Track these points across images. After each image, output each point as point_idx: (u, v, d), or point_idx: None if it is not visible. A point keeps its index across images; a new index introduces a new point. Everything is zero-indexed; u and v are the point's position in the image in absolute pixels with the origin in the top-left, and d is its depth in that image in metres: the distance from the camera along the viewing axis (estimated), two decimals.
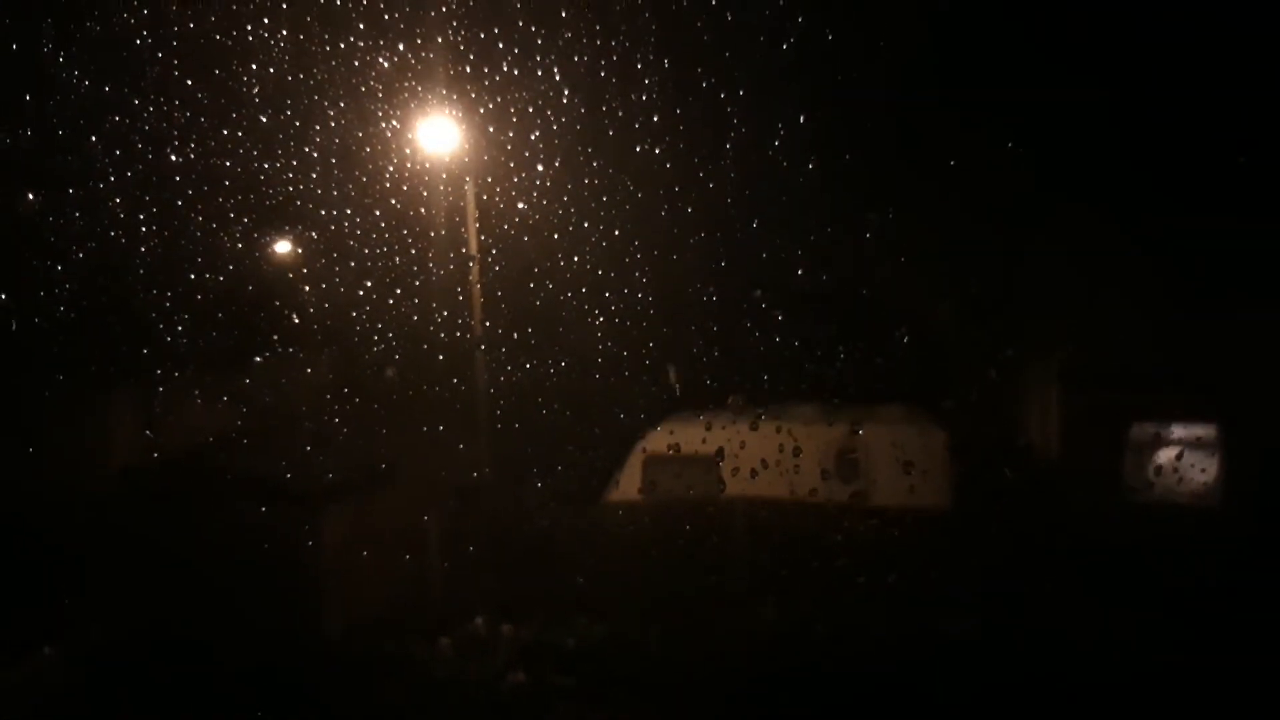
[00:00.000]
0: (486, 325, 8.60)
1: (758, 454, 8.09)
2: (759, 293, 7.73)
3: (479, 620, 7.08)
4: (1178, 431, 9.05)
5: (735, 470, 8.07)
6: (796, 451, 8.02)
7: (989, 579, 6.76)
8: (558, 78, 5.96)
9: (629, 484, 8.24)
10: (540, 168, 6.68)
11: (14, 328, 7.32)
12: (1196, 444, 8.99)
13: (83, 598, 6.66)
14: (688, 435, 8.28)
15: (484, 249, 8.90)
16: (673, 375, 8.32)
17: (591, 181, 6.82)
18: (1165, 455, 8.98)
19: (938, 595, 6.61)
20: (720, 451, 8.11)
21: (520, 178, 7.00)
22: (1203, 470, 8.86)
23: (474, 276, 8.59)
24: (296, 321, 8.03)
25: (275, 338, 8.17)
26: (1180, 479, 8.88)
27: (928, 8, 7.40)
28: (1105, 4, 8.05)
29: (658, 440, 8.27)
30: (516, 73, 6.05)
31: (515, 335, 8.25)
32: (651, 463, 8.24)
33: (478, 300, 8.66)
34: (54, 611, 6.47)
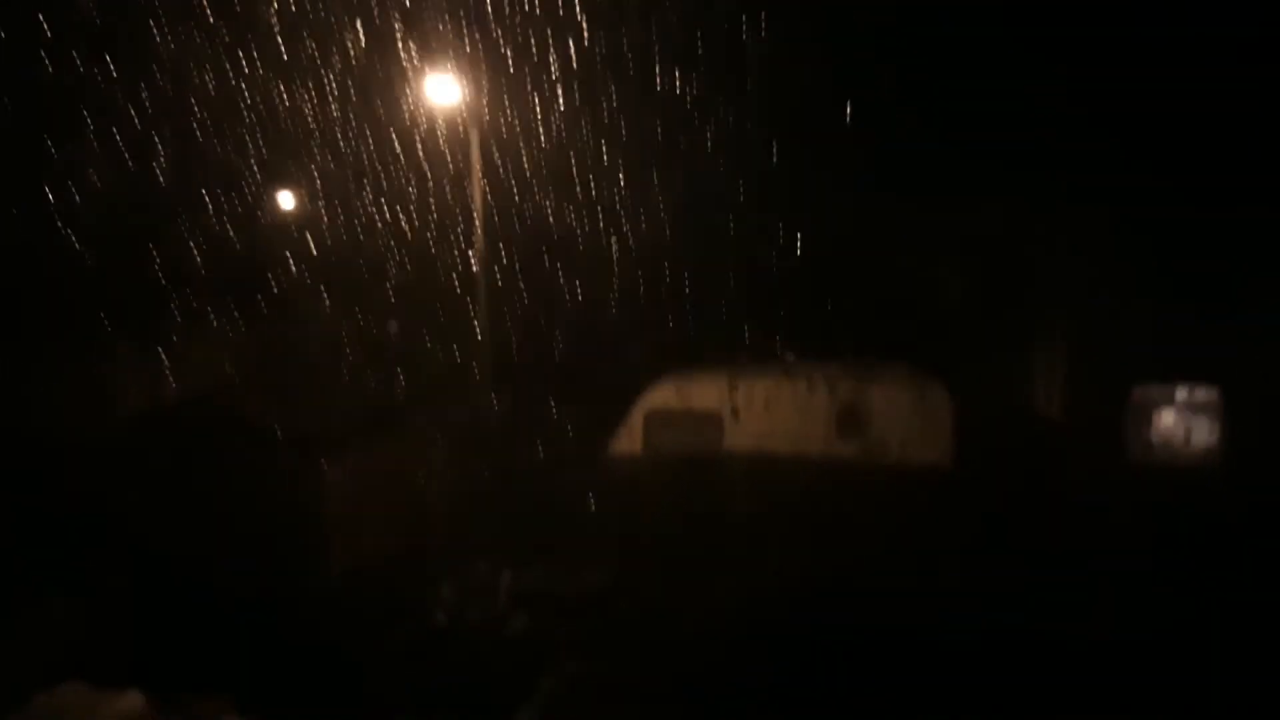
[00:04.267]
0: (496, 300, 8.73)
1: (762, 410, 8.13)
2: (774, 268, 7.88)
3: (481, 567, 7.12)
4: (1180, 395, 9.07)
5: (739, 426, 8.12)
6: (801, 409, 8.07)
7: (992, 537, 6.78)
8: None
9: (632, 438, 8.26)
10: (551, 153, 7.07)
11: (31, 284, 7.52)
12: (1198, 408, 9.01)
13: (91, 543, 6.69)
14: (692, 391, 8.32)
15: (494, 214, 9.02)
16: None
17: (602, 163, 7.19)
18: (1167, 418, 9.01)
19: (940, 552, 6.63)
20: (724, 407, 8.17)
21: (530, 162, 7.34)
22: (1204, 434, 8.90)
23: (483, 242, 8.65)
24: (310, 281, 8.15)
25: (288, 293, 8.30)
26: (1182, 442, 8.92)
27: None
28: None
29: (662, 396, 8.29)
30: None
31: (523, 301, 8.36)
32: (655, 417, 8.26)
33: (486, 267, 8.71)
34: (62, 558, 6.51)
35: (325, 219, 8.84)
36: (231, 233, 8.38)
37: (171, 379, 8.78)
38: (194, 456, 7.49)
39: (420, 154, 8.48)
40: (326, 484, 7.38)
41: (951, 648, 5.54)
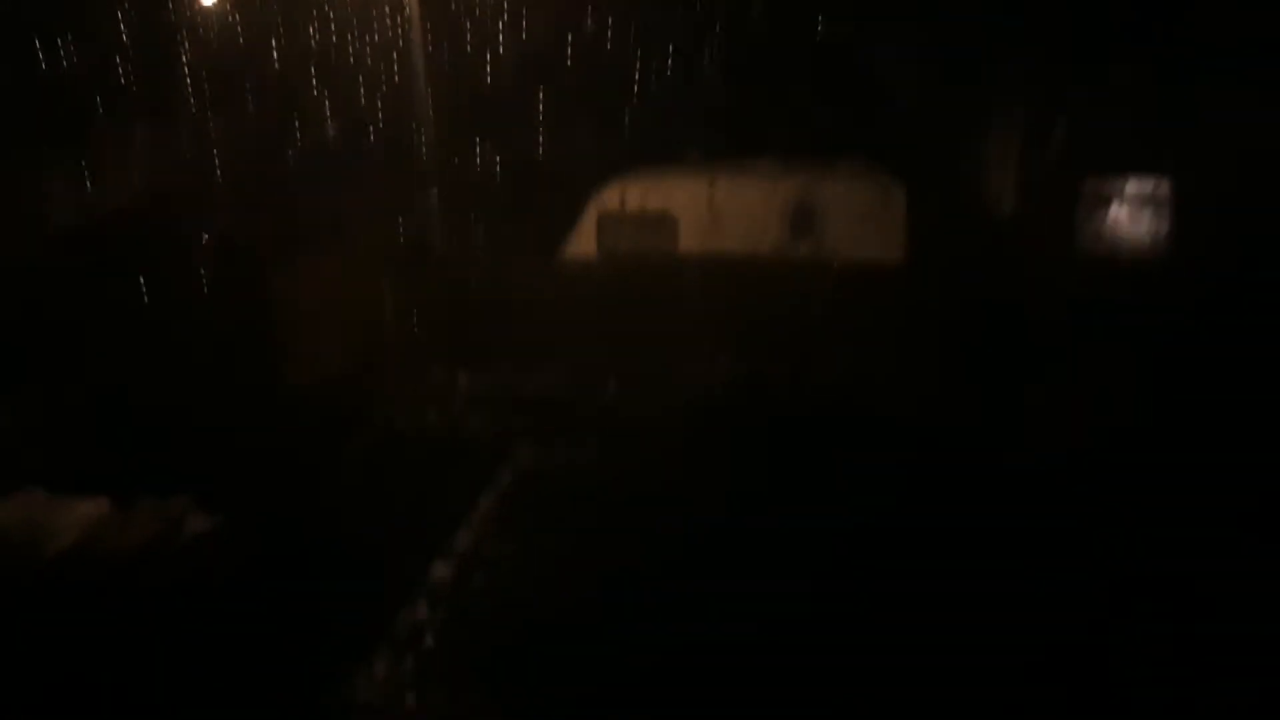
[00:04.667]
0: (441, 96, 8.29)
1: (714, 209, 8.04)
2: (718, 49, 7.50)
3: (436, 370, 7.15)
4: (1131, 187, 9.07)
5: (692, 227, 8.05)
6: (755, 208, 7.98)
7: (944, 333, 6.85)
8: None
9: (585, 240, 8.17)
10: None
11: None
12: (1149, 200, 9.04)
13: (30, 360, 6.57)
14: (645, 193, 8.18)
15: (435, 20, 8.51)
16: None
17: None
18: (1119, 210, 9.04)
19: (891, 349, 6.70)
20: (678, 208, 8.07)
21: None
22: (1155, 226, 8.95)
23: (423, 42, 8.21)
24: (243, 79, 7.70)
25: (221, 94, 7.85)
26: (1133, 234, 8.97)
27: None
28: None
29: (614, 197, 8.16)
30: None
31: (468, 99, 8.01)
32: (607, 219, 8.16)
33: (424, 69, 8.30)
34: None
35: (252, 16, 8.33)
36: (152, 34, 7.92)
37: (101, 191, 8.43)
38: (135, 269, 7.30)
39: None
40: (274, 294, 7.24)
41: (902, 441, 5.65)
